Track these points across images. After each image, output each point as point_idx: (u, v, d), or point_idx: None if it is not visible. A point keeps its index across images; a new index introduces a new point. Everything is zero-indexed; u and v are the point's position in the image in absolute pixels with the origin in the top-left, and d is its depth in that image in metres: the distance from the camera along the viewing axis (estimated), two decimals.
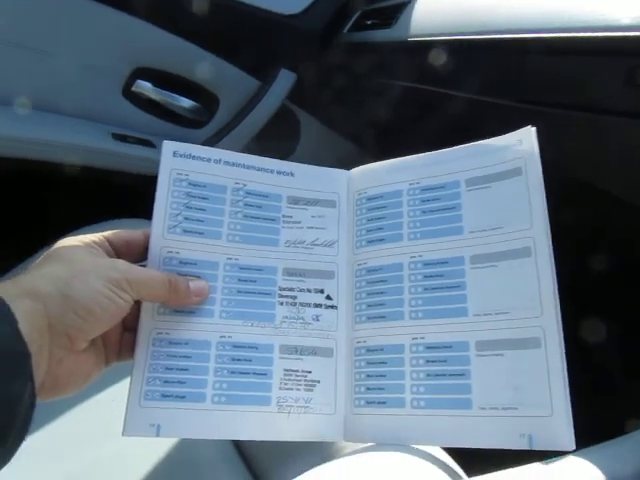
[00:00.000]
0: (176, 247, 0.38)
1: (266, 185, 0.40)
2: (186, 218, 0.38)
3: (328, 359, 0.38)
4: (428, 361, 0.36)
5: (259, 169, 0.41)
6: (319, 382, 0.37)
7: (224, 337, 0.37)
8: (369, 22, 0.88)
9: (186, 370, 0.36)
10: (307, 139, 1.09)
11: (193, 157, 0.39)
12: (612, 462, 0.38)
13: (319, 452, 0.51)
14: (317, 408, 0.37)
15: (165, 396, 0.35)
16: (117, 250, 0.37)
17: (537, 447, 0.31)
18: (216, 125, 0.99)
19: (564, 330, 0.33)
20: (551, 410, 0.32)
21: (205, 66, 0.93)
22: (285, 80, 0.96)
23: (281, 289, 0.39)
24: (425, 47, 0.75)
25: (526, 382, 0.33)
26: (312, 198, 0.41)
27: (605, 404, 0.76)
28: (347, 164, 0.44)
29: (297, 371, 0.37)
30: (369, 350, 0.37)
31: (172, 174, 0.39)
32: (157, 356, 0.36)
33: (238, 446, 0.56)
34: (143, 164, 0.94)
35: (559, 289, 0.34)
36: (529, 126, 0.37)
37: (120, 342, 0.37)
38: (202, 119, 0.98)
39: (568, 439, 0.31)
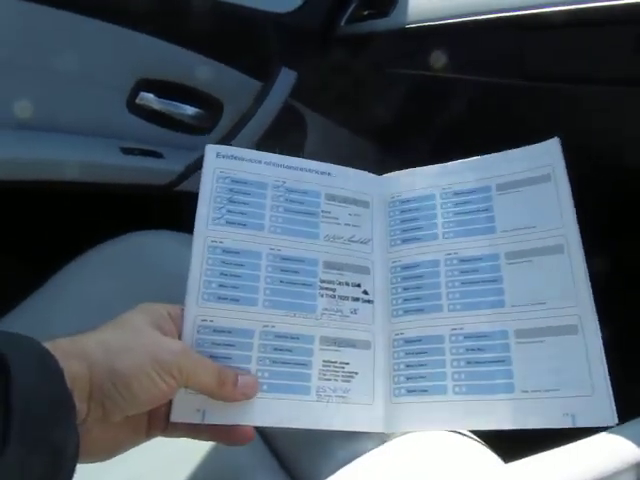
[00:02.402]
0: (220, 237, 0.39)
1: (305, 183, 0.42)
2: (229, 211, 0.40)
3: (366, 351, 0.39)
4: (468, 349, 0.37)
5: (298, 169, 0.42)
6: (357, 374, 0.38)
7: (267, 326, 0.38)
8: (366, 13, 0.88)
9: (229, 359, 0.36)
10: (314, 135, 1.09)
11: (235, 158, 0.41)
12: None
13: (359, 454, 0.51)
14: (355, 398, 0.37)
15: None
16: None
17: (581, 424, 0.34)
18: (222, 130, 0.99)
19: None
20: (592, 389, 0.34)
21: (206, 72, 0.93)
22: (286, 78, 0.96)
23: (322, 281, 0.40)
24: (424, 33, 0.74)
25: (566, 366, 0.35)
26: (348, 197, 0.43)
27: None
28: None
29: (335, 362, 0.38)
30: (407, 341, 0.39)
31: (215, 172, 0.41)
32: (201, 343, 0.36)
33: (277, 454, 0.57)
34: (153, 175, 0.95)
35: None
36: (555, 137, 0.40)
37: (167, 418, 0.35)
38: (207, 125, 0.99)
39: (610, 415, 0.33)
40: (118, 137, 0.94)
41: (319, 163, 0.43)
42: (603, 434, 0.40)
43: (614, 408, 0.33)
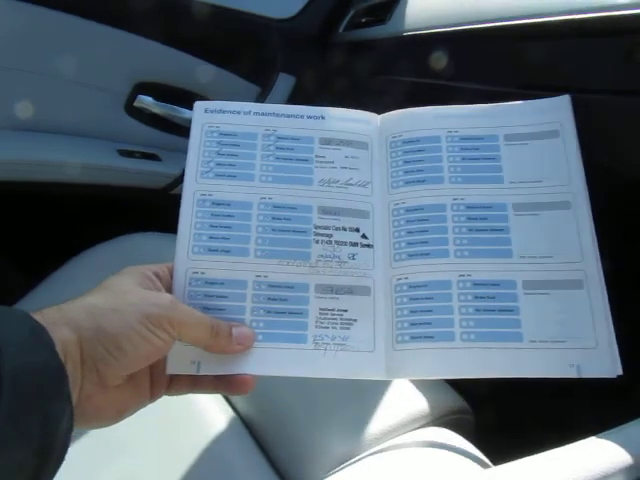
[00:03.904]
0: (209, 190, 0.39)
1: (297, 129, 0.41)
2: (218, 164, 0.40)
3: (365, 297, 0.38)
4: (476, 297, 0.37)
5: (289, 116, 0.41)
6: (356, 320, 0.37)
7: (260, 276, 0.37)
8: (364, 20, 0.88)
9: (223, 310, 0.36)
10: None
11: (223, 111, 0.41)
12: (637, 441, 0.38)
13: (346, 455, 0.51)
14: (354, 346, 0.36)
15: None
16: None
17: (585, 375, 0.34)
18: None
19: None
20: (595, 342, 0.35)
21: (204, 76, 0.93)
22: (284, 84, 0.97)
23: (316, 227, 0.39)
24: (421, 40, 0.75)
25: (571, 318, 0.35)
26: (344, 139, 0.41)
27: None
28: None
29: (333, 310, 0.37)
30: (412, 286, 0.38)
31: (204, 127, 0.40)
32: (194, 296, 0.36)
33: (266, 452, 0.57)
34: (151, 178, 0.95)
35: None
36: (566, 95, 0.41)
37: (170, 376, 0.35)
38: None
39: (613, 366, 0.34)
40: (115, 140, 0.94)
41: (312, 107, 0.42)
42: (593, 438, 0.40)
43: (618, 360, 0.34)
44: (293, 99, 0.99)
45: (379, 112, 0.43)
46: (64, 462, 0.27)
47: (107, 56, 0.89)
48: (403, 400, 0.56)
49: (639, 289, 0.73)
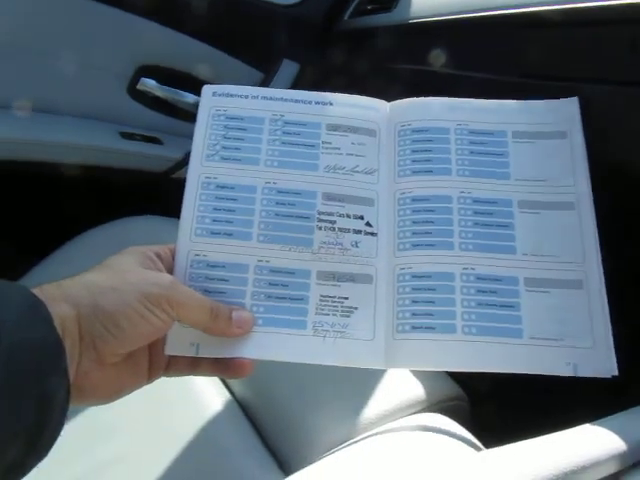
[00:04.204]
0: (214, 173, 0.39)
1: (305, 115, 0.41)
2: (224, 147, 0.39)
3: (367, 285, 0.38)
4: (479, 291, 0.37)
5: (297, 101, 0.41)
6: (357, 308, 0.37)
7: (261, 261, 0.37)
8: (369, 7, 0.88)
9: (223, 293, 0.36)
10: None
11: (231, 95, 0.41)
12: (636, 427, 0.38)
13: (342, 438, 0.51)
14: (354, 334, 0.36)
15: None
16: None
17: (582, 374, 0.34)
18: None
19: None
20: (593, 342, 0.35)
21: (208, 60, 0.93)
22: (288, 70, 0.96)
23: (320, 213, 0.38)
24: (427, 28, 0.75)
25: (570, 318, 0.36)
26: (352, 126, 0.41)
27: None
28: None
29: (334, 297, 0.37)
30: (415, 276, 0.37)
31: (211, 111, 0.40)
32: (195, 278, 0.36)
33: (261, 435, 0.57)
34: (152, 161, 0.95)
35: None
36: (575, 97, 0.41)
37: (168, 357, 0.35)
38: None
39: (609, 367, 0.34)
40: (117, 122, 0.94)
41: (320, 93, 0.41)
42: (586, 425, 0.40)
43: (614, 361, 0.34)
44: (297, 86, 0.98)
45: (386, 100, 0.43)
46: (59, 438, 0.27)
47: (110, 38, 0.88)
48: (399, 385, 0.57)
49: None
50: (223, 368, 0.35)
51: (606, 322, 0.35)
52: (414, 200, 0.39)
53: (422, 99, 0.42)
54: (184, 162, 0.95)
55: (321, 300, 0.36)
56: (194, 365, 0.36)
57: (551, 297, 0.36)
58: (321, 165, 0.39)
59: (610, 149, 0.63)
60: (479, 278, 0.37)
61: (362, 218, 0.39)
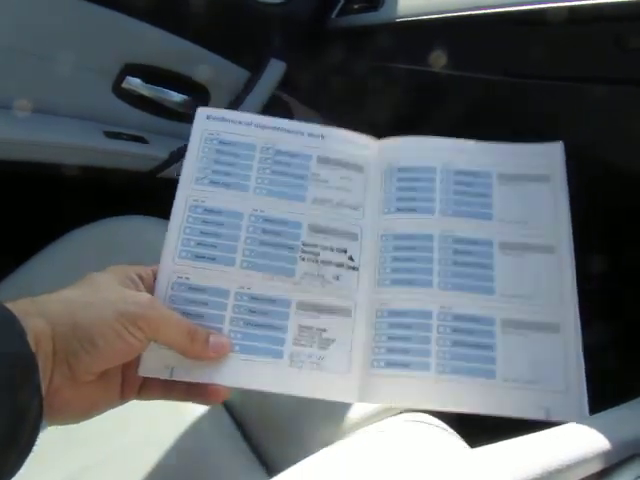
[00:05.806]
0: (203, 197, 0.39)
1: (296, 145, 0.41)
2: (214, 171, 0.40)
3: (345, 319, 0.38)
4: (455, 330, 0.37)
5: (289, 131, 0.42)
6: (334, 341, 0.37)
7: (243, 288, 0.37)
8: (356, 6, 0.88)
9: (202, 317, 0.36)
10: None
11: (225, 120, 0.41)
12: (621, 425, 0.38)
13: (328, 439, 0.51)
14: (330, 366, 0.36)
15: None
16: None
17: (553, 418, 0.35)
18: None
19: None
20: (565, 387, 0.35)
21: (194, 59, 0.92)
22: (275, 69, 0.96)
23: (304, 244, 0.39)
24: (413, 27, 0.75)
25: (545, 361, 0.36)
26: (342, 160, 0.42)
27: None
28: None
29: (312, 328, 0.37)
30: (392, 313, 0.38)
31: (204, 134, 0.41)
32: (175, 300, 0.36)
33: (246, 436, 0.56)
34: (137, 161, 0.94)
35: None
36: (559, 142, 0.41)
37: (142, 379, 0.35)
38: (193, 112, 0.98)
39: (581, 411, 0.35)
40: (102, 121, 0.93)
41: (313, 125, 0.42)
42: (572, 424, 0.40)
43: (586, 406, 0.35)
44: (283, 84, 0.98)
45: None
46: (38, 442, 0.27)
47: (95, 36, 0.87)
48: None
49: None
50: (197, 393, 0.35)
51: (580, 366, 0.36)
52: (396, 237, 0.40)
53: (410, 138, 0.43)
54: (170, 161, 0.94)
55: (300, 330, 0.37)
56: (168, 389, 0.35)
57: (527, 339, 0.37)
58: (309, 197, 0.40)
59: (606, 148, 0.64)
60: (456, 317, 0.37)
61: (345, 252, 0.39)
